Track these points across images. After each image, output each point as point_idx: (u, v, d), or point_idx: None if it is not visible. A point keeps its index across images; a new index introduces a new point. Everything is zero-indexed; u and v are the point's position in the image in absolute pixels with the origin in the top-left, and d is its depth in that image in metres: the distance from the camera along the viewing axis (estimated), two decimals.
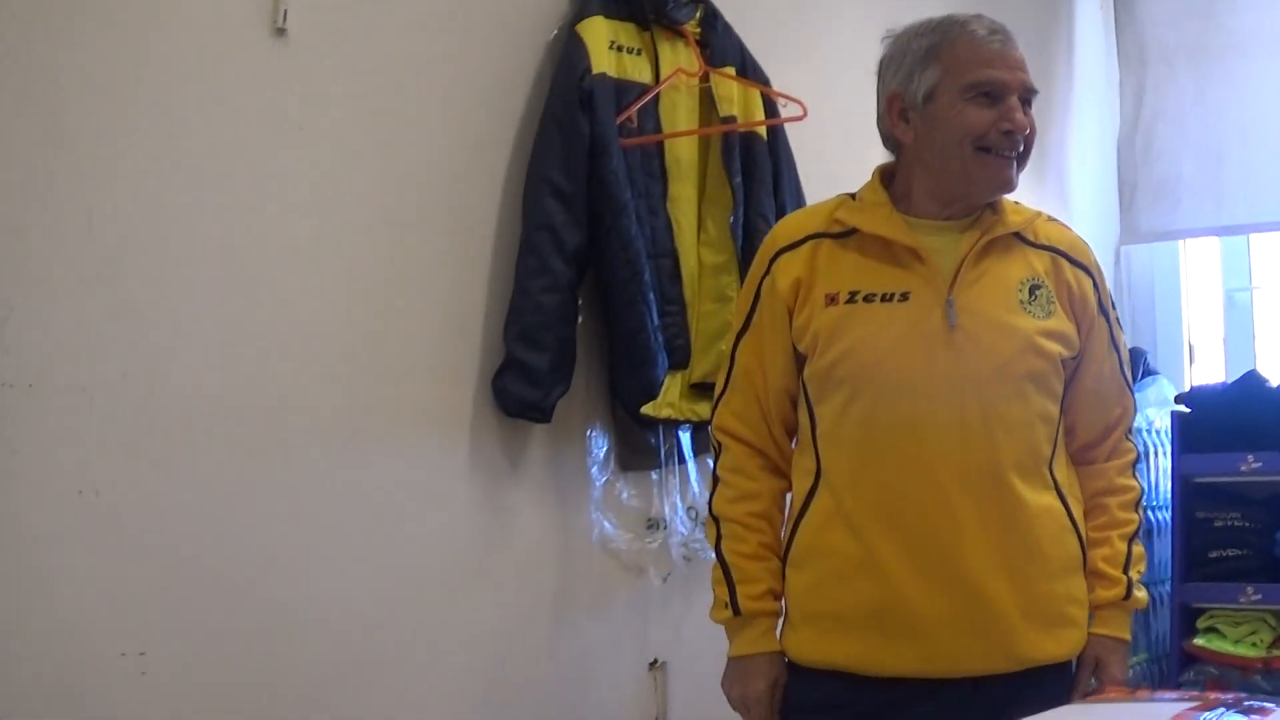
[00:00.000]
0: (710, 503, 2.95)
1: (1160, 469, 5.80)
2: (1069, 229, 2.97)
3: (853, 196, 2.89)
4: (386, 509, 3.24)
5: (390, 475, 3.24)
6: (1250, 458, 5.34)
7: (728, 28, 3.94)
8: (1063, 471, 2.84)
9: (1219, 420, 5.48)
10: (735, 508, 2.89)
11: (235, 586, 2.93)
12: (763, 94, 3.99)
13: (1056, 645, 2.80)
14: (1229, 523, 5.48)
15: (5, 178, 2.56)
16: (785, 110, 4.06)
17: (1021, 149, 2.76)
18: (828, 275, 2.81)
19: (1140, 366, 5.92)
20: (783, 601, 2.93)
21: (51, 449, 2.61)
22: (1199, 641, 5.36)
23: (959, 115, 2.73)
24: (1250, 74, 6.30)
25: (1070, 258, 2.89)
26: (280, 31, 3.01)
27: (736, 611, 2.85)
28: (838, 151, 4.56)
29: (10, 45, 2.56)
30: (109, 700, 2.69)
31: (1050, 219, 2.95)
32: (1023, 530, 2.74)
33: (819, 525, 2.80)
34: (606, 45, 3.61)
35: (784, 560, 2.89)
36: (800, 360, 2.84)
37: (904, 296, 2.76)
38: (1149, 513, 5.62)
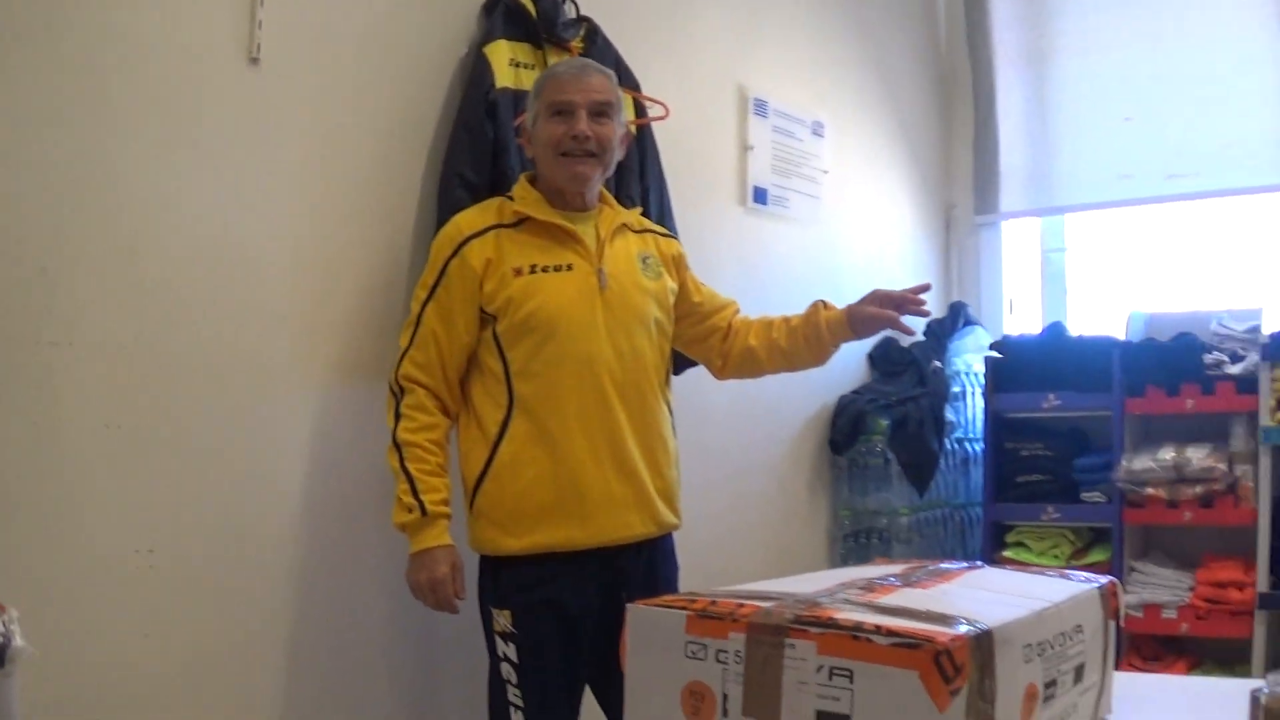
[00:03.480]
0: (395, 433, 3.59)
1: (975, 406, 6.49)
2: (652, 223, 4.09)
3: (510, 198, 3.74)
4: (336, 438, 3.84)
5: (332, 411, 3.83)
6: (1052, 396, 6.11)
7: (607, 42, 4.51)
8: (668, 392, 3.89)
9: (1026, 364, 6.22)
10: (418, 436, 3.59)
11: (226, 499, 3.54)
12: (633, 98, 4.51)
13: (674, 516, 3.86)
14: (1033, 452, 6.23)
15: (48, 157, 3.13)
16: (651, 111, 4.64)
17: (596, 150, 3.68)
18: (512, 255, 3.63)
19: (961, 317, 6.65)
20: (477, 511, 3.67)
21: (86, 394, 3.20)
22: (1007, 554, 6.09)
23: (544, 131, 3.68)
24: (1080, 73, 6.96)
25: (661, 235, 4.02)
26: (254, 60, 3.59)
27: (424, 513, 3.54)
28: (697, 139, 5.25)
29: (55, 79, 3.15)
30: (123, 588, 3.29)
31: (641, 215, 4.09)
32: (655, 432, 3.78)
33: (519, 442, 3.61)
34: (508, 63, 4.17)
35: (482, 476, 3.62)
36: (486, 320, 3.63)
37: (569, 267, 3.67)
38: (965, 445, 6.40)
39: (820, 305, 4.03)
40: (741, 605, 2.24)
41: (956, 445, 6.38)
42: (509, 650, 3.60)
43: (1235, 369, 5.74)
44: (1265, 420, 5.52)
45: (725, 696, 2.19)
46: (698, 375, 4.76)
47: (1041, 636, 2.32)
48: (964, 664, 2.04)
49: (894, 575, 2.57)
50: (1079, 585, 2.60)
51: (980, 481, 6.37)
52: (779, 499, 5.76)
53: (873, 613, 2.18)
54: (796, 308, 5.30)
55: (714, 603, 2.28)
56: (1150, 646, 5.92)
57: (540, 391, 3.61)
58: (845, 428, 5.96)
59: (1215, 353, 5.85)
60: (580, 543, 3.63)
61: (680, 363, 4.25)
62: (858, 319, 3.94)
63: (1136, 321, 6.24)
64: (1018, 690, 2.23)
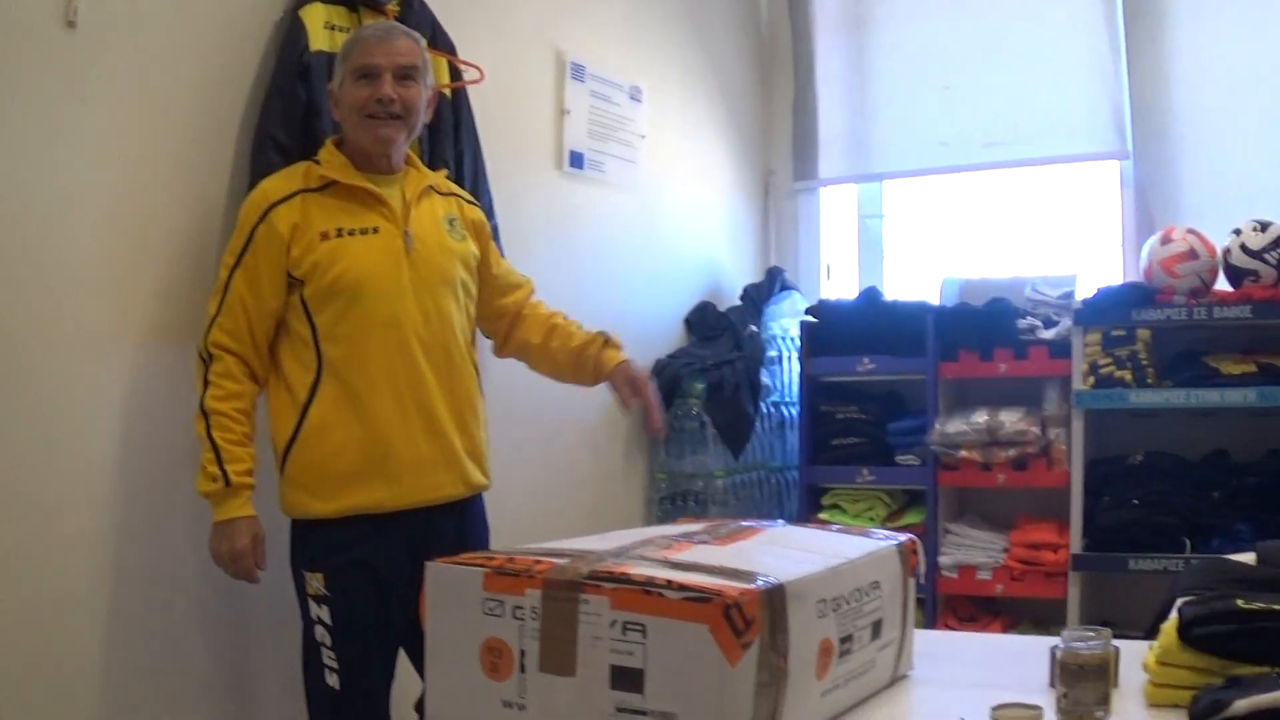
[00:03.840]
0: (202, 400, 3.57)
1: (791, 371, 6.52)
2: (458, 187, 4.11)
3: (317, 162, 3.71)
4: (148, 403, 3.79)
5: (144, 377, 3.78)
6: (866, 360, 6.14)
7: (424, 5, 4.48)
8: (475, 353, 3.94)
9: (841, 329, 6.24)
10: (224, 404, 3.57)
11: (31, 470, 3.48)
12: (449, 61, 4.54)
13: (483, 476, 3.91)
14: (848, 415, 6.25)
15: None
16: (467, 74, 4.64)
17: (401, 113, 3.69)
18: (318, 219, 3.62)
19: (778, 282, 6.67)
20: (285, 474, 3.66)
21: None
22: (823, 516, 6.13)
23: (349, 94, 3.68)
24: (899, 41, 6.96)
25: (466, 201, 4.06)
26: (71, 24, 3.51)
27: (227, 483, 3.52)
28: (513, 103, 5.23)
29: None
30: None
31: (447, 178, 4.09)
32: (463, 393, 3.81)
33: (327, 406, 3.61)
34: (323, 26, 4.12)
35: (292, 440, 3.62)
36: (293, 284, 3.62)
37: (375, 230, 3.68)
38: (782, 408, 6.44)
39: (602, 341, 4.13)
40: (538, 562, 2.27)
41: (773, 409, 6.37)
42: (322, 613, 3.60)
43: (1048, 334, 5.82)
44: (1078, 384, 5.60)
45: (523, 653, 2.22)
46: None
47: (837, 592, 2.35)
48: (755, 618, 2.07)
49: (695, 533, 2.60)
50: (877, 543, 2.64)
51: (796, 444, 6.39)
52: (594, 462, 5.75)
53: (666, 568, 2.21)
54: (614, 274, 5.65)
55: (511, 560, 2.31)
56: (966, 607, 5.99)
57: (348, 355, 3.61)
58: (661, 391, 5.82)
59: (1029, 318, 5.93)
60: (389, 504, 3.65)
61: None
62: (612, 380, 4.10)
63: (951, 287, 6.28)
64: (812, 645, 2.26)
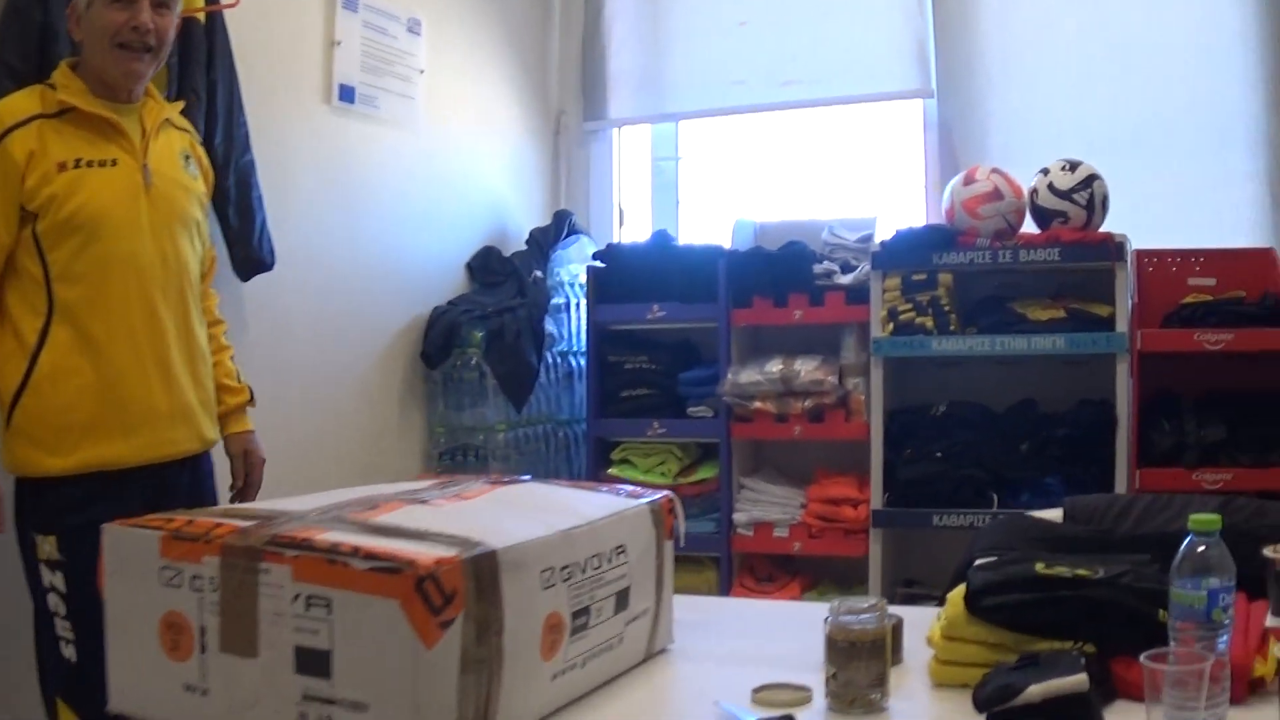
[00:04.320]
0: None
1: (579, 318, 6.28)
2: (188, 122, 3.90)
3: (52, 86, 3.44)
4: None
5: None
6: (656, 307, 5.90)
7: None
8: (201, 300, 3.75)
9: (631, 275, 6.00)
10: None
11: None
12: None
13: (215, 430, 3.77)
14: (638, 365, 6.01)
15: None
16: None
17: (155, 45, 3.48)
18: (56, 148, 3.36)
19: (566, 226, 6.41)
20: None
21: None
22: (613, 471, 5.90)
23: (100, 17, 3.41)
24: None
25: (200, 143, 3.87)
26: None
27: None
28: (277, 31, 5.00)
29: None
30: None
31: (184, 111, 3.91)
32: (195, 341, 3.64)
33: (60, 352, 3.38)
34: None
35: (20, 390, 3.37)
36: (26, 218, 3.36)
37: (114, 162, 3.44)
38: (569, 358, 6.22)
39: (246, 400, 3.91)
40: (219, 525, 2.00)
41: (559, 359, 6.16)
42: (56, 579, 3.36)
43: (846, 279, 5.64)
44: (876, 332, 5.45)
45: (203, 630, 1.96)
46: (272, 279, 4.66)
47: (569, 559, 2.05)
48: (456, 591, 1.77)
49: (418, 491, 2.29)
50: (626, 502, 2.35)
51: (584, 396, 6.19)
52: (368, 415, 5.49)
53: (361, 533, 1.92)
54: (390, 216, 5.60)
55: (190, 522, 2.06)
56: (764, 566, 5.83)
57: (84, 296, 3.37)
58: (438, 340, 5.69)
59: (826, 262, 5.75)
60: (128, 460, 3.44)
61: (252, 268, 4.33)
62: (231, 447, 3.88)
63: (743, 230, 6.10)
64: (536, 620, 1.97)
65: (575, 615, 2.04)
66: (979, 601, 2.14)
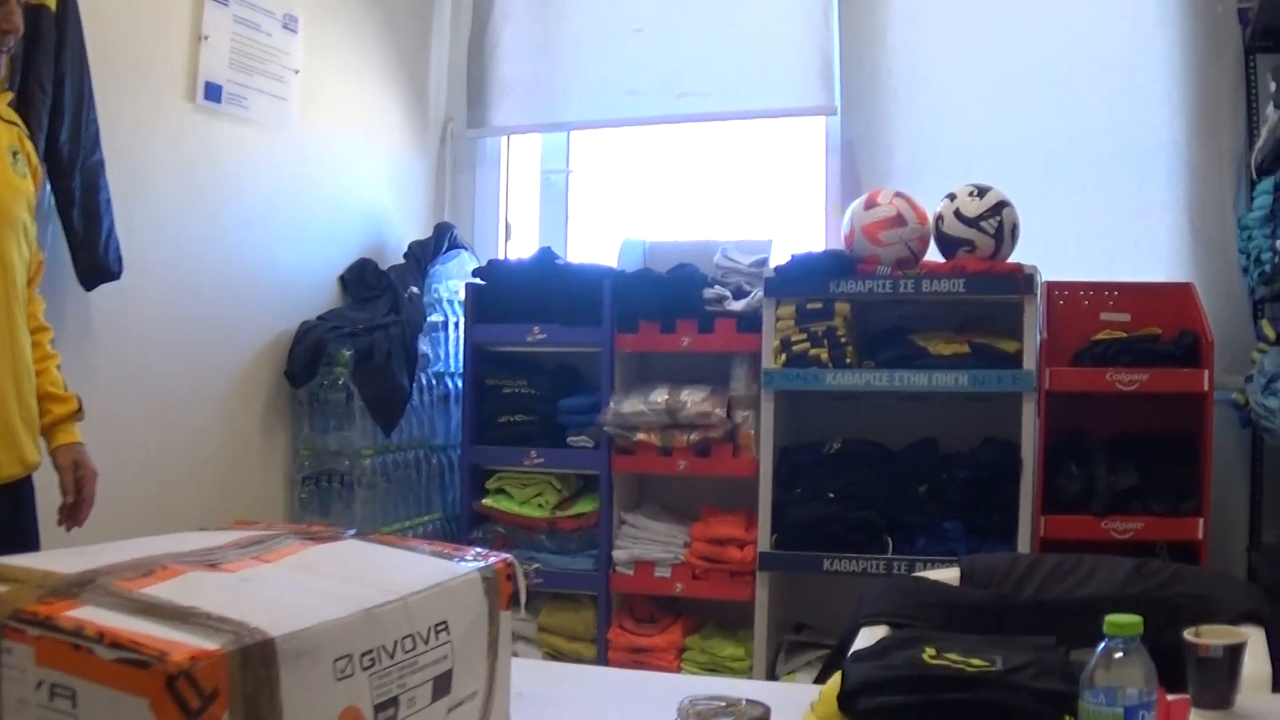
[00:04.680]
0: None
1: (457, 339, 6.02)
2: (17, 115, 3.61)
3: None
4: None
5: None
6: (537, 329, 5.66)
7: None
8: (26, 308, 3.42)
9: (511, 293, 5.76)
10: None
11: None
12: None
13: (38, 452, 3.44)
14: (517, 390, 5.78)
15: None
16: None
17: (11, 44, 3.32)
18: None
19: (447, 240, 6.16)
20: None
21: None
22: (488, 502, 5.69)
23: None
24: None
25: (27, 138, 3.55)
26: None
27: None
28: (137, 23, 4.70)
29: None
30: None
31: (11, 104, 3.57)
32: (21, 353, 3.33)
33: None
34: None
35: None
36: None
37: None
38: (446, 380, 5.98)
39: (74, 409, 3.56)
40: None
41: (434, 381, 5.92)
42: None
43: (737, 305, 5.43)
44: (768, 362, 5.25)
45: None
46: (123, 288, 4.40)
47: (372, 643, 1.74)
48: (219, 689, 1.47)
49: (212, 550, 1.96)
50: (455, 568, 2.03)
51: (460, 421, 5.95)
52: (227, 436, 5.18)
53: (118, 608, 1.61)
54: (258, 224, 5.48)
55: None
56: (645, 606, 5.63)
57: None
58: (303, 357, 5.40)
59: (717, 287, 5.54)
60: None
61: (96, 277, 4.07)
62: (59, 458, 3.53)
63: (632, 250, 5.91)
64: (327, 718, 1.64)
65: (380, 708, 1.74)
66: (855, 703, 1.86)
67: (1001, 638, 2.18)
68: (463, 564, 2.04)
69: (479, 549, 2.15)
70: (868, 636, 2.50)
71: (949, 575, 2.91)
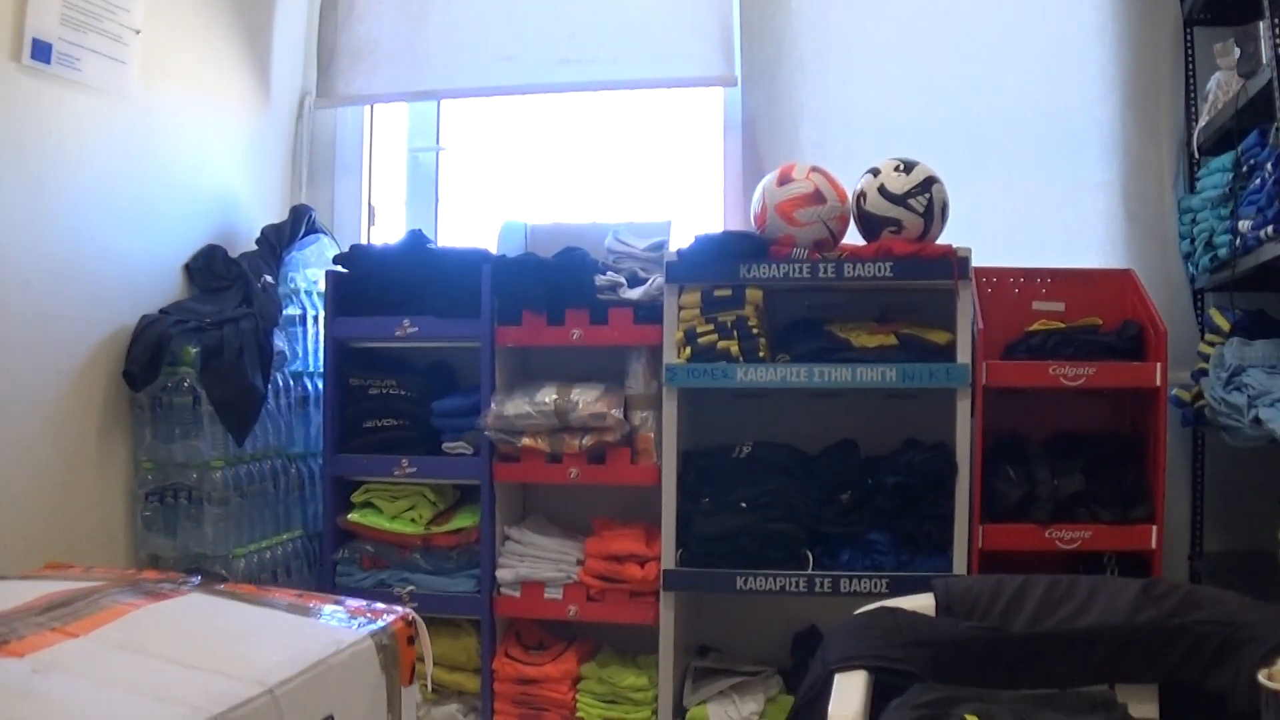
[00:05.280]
0: None
1: (318, 334, 5.67)
2: None
3: None
4: None
5: None
6: (407, 322, 5.32)
7: None
8: None
9: (378, 282, 5.44)
10: None
11: None
12: None
13: None
14: (385, 390, 5.45)
15: None
16: None
17: None
18: None
19: (304, 224, 5.80)
20: None
21: None
22: (354, 517, 5.33)
23: None
24: None
25: None
26: None
27: None
28: None
29: None
30: None
31: None
32: None
33: None
34: None
35: None
36: None
37: None
38: (306, 380, 5.63)
39: None
40: None
41: (292, 381, 5.53)
42: None
43: (634, 293, 5.15)
44: (670, 357, 4.99)
45: None
46: None
47: None
48: None
49: (11, 616, 1.43)
50: (338, 635, 1.50)
51: (322, 427, 5.59)
52: (57, 447, 4.75)
53: None
54: (90, 202, 4.92)
55: None
56: (534, 632, 5.31)
57: None
58: (143, 356, 4.96)
59: (610, 273, 5.25)
60: None
61: None
62: None
63: (513, 233, 5.55)
64: None
65: None
66: None
67: (1047, 694, 2.03)
68: (348, 627, 1.52)
69: (367, 602, 1.64)
70: (845, 686, 2.22)
71: (923, 603, 2.70)
